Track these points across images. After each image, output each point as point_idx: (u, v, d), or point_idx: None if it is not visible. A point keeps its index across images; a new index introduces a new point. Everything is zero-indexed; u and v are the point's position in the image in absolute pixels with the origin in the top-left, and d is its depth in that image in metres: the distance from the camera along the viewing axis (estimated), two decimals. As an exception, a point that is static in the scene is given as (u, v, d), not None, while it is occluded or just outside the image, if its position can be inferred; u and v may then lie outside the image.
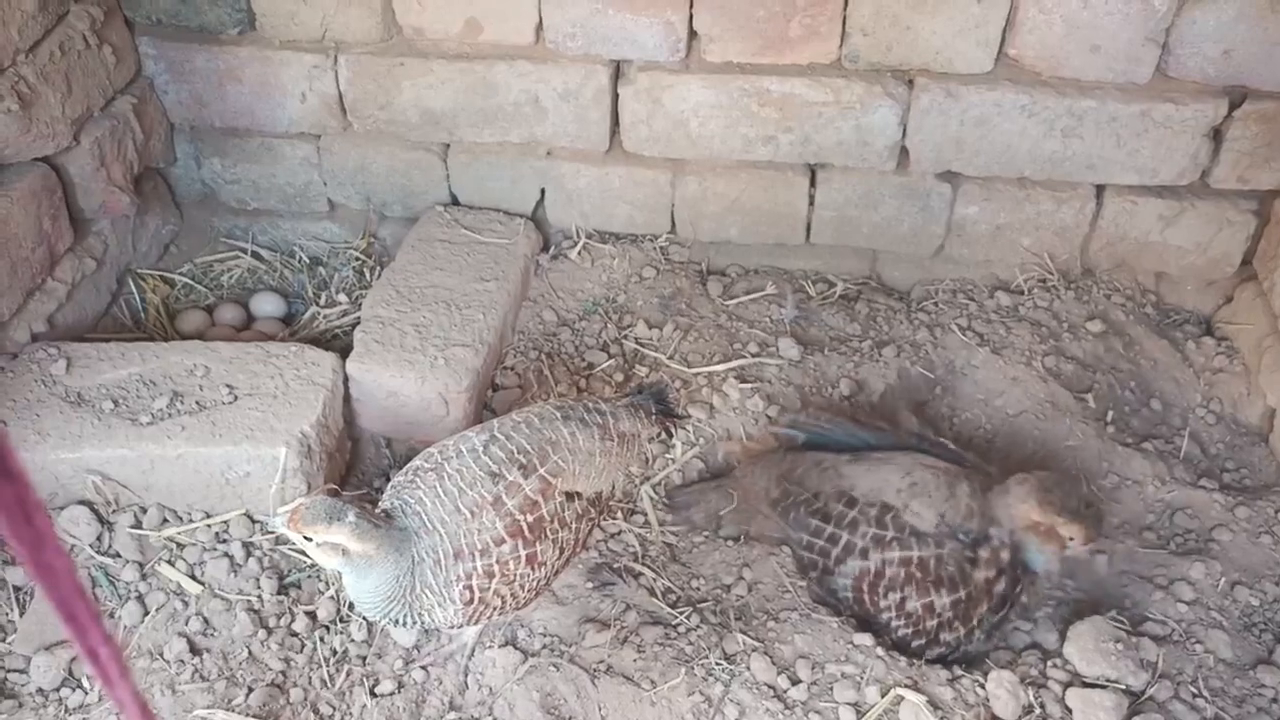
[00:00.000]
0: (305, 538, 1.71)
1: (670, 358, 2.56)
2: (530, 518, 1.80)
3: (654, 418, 2.08)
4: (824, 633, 2.00)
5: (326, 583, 2.09)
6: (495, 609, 1.83)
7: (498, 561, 1.77)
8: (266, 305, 2.75)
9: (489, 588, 1.78)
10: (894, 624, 2.02)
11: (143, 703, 0.76)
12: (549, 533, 1.83)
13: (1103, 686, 1.89)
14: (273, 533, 2.04)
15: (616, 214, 2.83)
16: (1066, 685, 1.90)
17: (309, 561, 2.11)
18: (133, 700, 0.74)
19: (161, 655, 1.97)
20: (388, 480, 2.30)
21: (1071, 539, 1.95)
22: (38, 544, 0.62)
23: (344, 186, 2.88)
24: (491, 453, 1.84)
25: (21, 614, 2.01)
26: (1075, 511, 1.93)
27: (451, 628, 1.88)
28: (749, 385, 2.49)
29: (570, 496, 1.88)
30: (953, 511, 2.01)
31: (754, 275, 2.85)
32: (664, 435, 2.12)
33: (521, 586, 1.83)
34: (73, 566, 0.64)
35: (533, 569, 1.82)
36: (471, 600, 1.77)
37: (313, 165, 2.85)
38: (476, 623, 1.86)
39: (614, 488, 2.05)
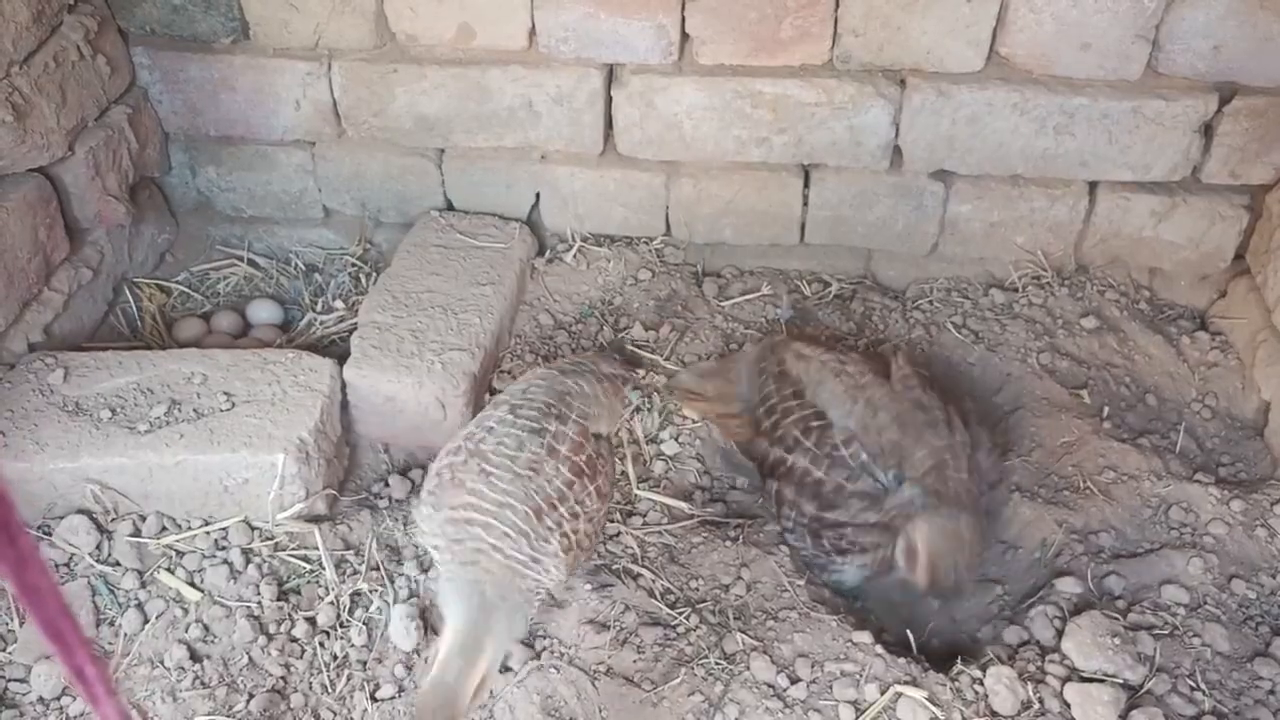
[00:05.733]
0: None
1: (667, 359, 2.57)
2: (583, 457, 1.87)
3: (618, 363, 2.24)
4: (823, 631, 2.01)
5: (326, 588, 2.09)
6: (585, 551, 1.88)
7: (577, 501, 1.82)
8: (263, 312, 2.75)
9: (579, 530, 1.82)
10: (772, 486, 2.19)
11: None
12: (600, 469, 1.91)
13: (1101, 681, 1.89)
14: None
15: (611, 217, 2.84)
16: (1065, 680, 1.91)
17: (308, 567, 2.12)
18: (119, 718, 0.74)
19: (162, 663, 1.97)
20: (386, 484, 2.31)
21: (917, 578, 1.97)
22: (21, 565, 0.62)
23: (339, 193, 2.89)
24: (523, 414, 1.89)
25: (22, 624, 2.01)
26: (940, 565, 1.94)
27: (559, 586, 1.90)
28: (745, 386, 2.50)
29: (596, 438, 1.97)
30: (884, 454, 2.06)
31: (749, 276, 2.86)
32: (631, 383, 2.31)
33: (597, 523, 1.89)
34: (57, 586, 0.64)
35: (602, 501, 1.89)
36: (570, 547, 1.80)
37: (308, 172, 2.86)
38: (574, 572, 1.88)
39: (615, 430, 2.19)
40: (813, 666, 1.95)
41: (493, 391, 2.49)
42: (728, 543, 2.20)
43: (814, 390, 2.23)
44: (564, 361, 2.17)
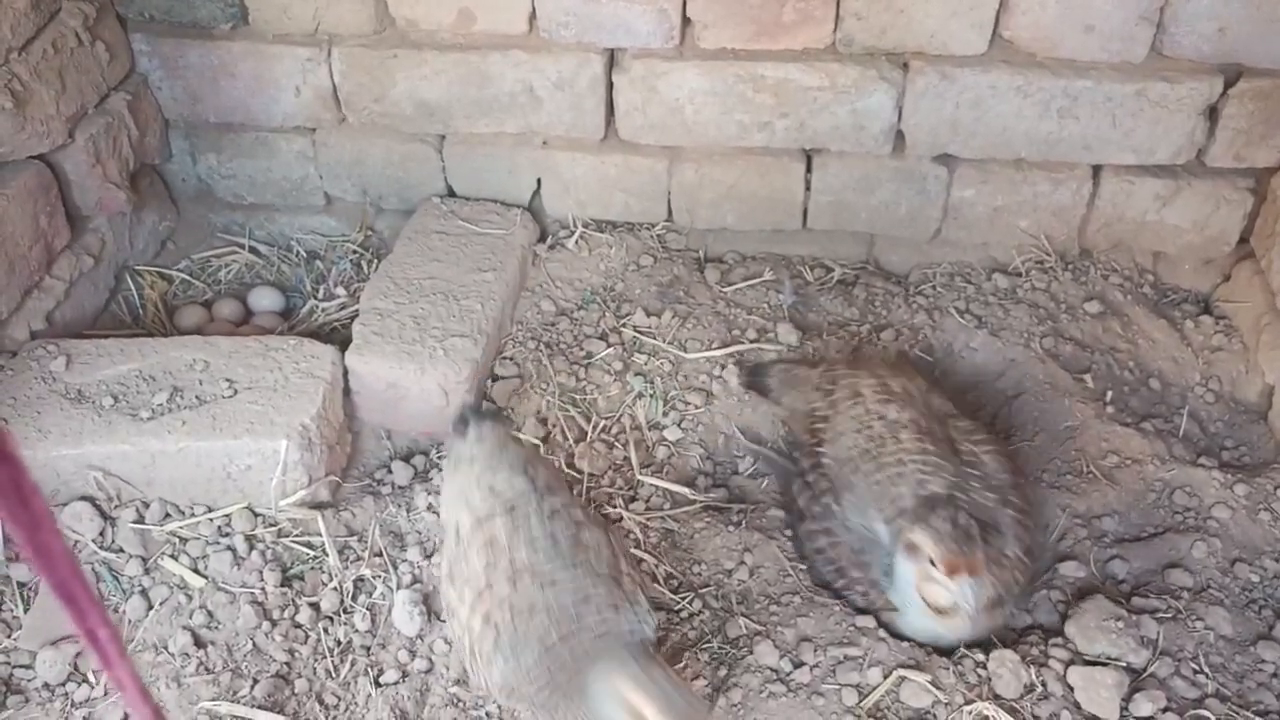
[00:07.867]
0: None
1: (669, 344, 2.56)
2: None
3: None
4: (827, 616, 2.01)
5: (329, 574, 2.10)
6: (642, 582, 1.85)
7: (623, 553, 1.79)
8: (264, 300, 2.75)
9: (638, 576, 1.80)
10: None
11: (141, 683, 0.76)
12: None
13: (1104, 664, 1.89)
14: None
15: (613, 203, 2.83)
16: (1068, 664, 1.91)
17: (311, 554, 2.12)
18: (131, 680, 0.75)
19: (166, 649, 1.98)
20: (388, 470, 2.31)
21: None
22: (35, 526, 0.62)
23: (340, 180, 2.88)
24: (523, 509, 1.74)
25: (26, 610, 2.02)
26: (952, 555, 1.85)
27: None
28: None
29: None
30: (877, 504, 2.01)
31: (751, 261, 2.85)
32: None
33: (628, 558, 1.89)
34: (69, 549, 0.64)
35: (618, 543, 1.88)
36: (649, 593, 1.79)
37: (308, 159, 2.85)
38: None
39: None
40: (816, 651, 1.95)
41: (494, 378, 2.49)
42: (730, 528, 2.20)
43: (843, 420, 2.17)
44: (466, 451, 1.84)
